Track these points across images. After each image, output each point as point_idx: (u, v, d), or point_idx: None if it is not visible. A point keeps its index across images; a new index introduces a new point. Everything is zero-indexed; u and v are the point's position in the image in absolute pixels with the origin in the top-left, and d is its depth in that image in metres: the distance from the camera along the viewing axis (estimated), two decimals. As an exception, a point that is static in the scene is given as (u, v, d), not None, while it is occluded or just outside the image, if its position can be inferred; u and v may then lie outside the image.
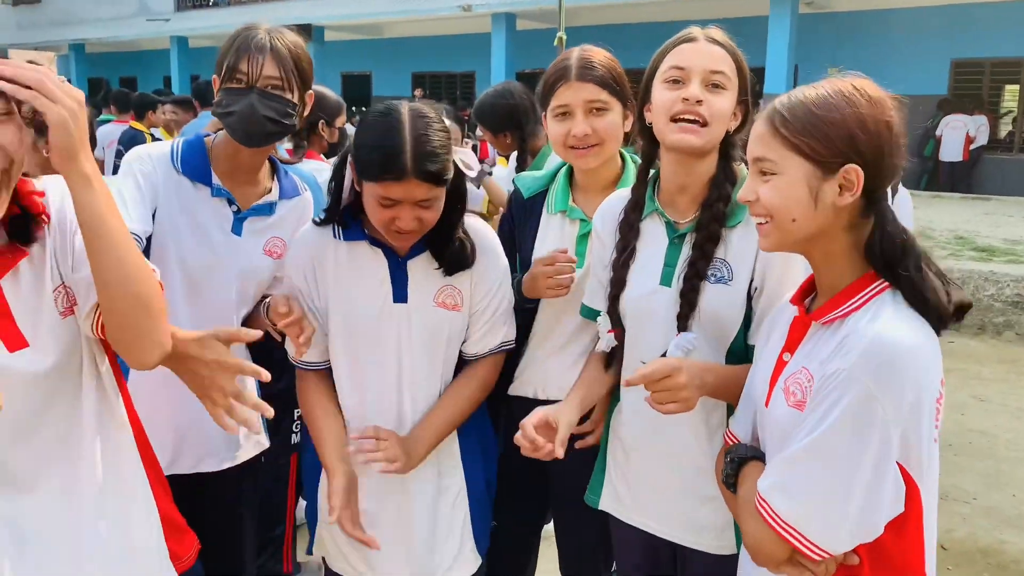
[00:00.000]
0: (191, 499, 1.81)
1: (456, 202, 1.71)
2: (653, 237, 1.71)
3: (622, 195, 1.81)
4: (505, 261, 1.86)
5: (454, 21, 17.00)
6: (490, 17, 15.81)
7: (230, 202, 1.91)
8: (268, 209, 1.96)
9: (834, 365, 1.19)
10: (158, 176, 1.86)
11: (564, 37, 10.14)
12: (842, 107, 1.23)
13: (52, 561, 1.28)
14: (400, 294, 1.73)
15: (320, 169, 3.13)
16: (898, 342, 1.16)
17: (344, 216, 1.76)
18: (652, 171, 1.76)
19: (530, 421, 1.62)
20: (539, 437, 1.60)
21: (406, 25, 17.67)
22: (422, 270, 1.75)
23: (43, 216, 1.28)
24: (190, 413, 1.83)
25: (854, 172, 1.22)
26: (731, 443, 1.48)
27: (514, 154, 3.45)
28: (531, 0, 14.91)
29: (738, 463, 1.39)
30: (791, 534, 1.21)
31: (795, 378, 1.28)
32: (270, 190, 1.98)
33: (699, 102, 1.55)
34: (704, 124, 1.57)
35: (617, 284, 1.73)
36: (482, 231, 1.82)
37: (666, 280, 1.67)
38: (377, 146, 1.55)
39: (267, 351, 2.68)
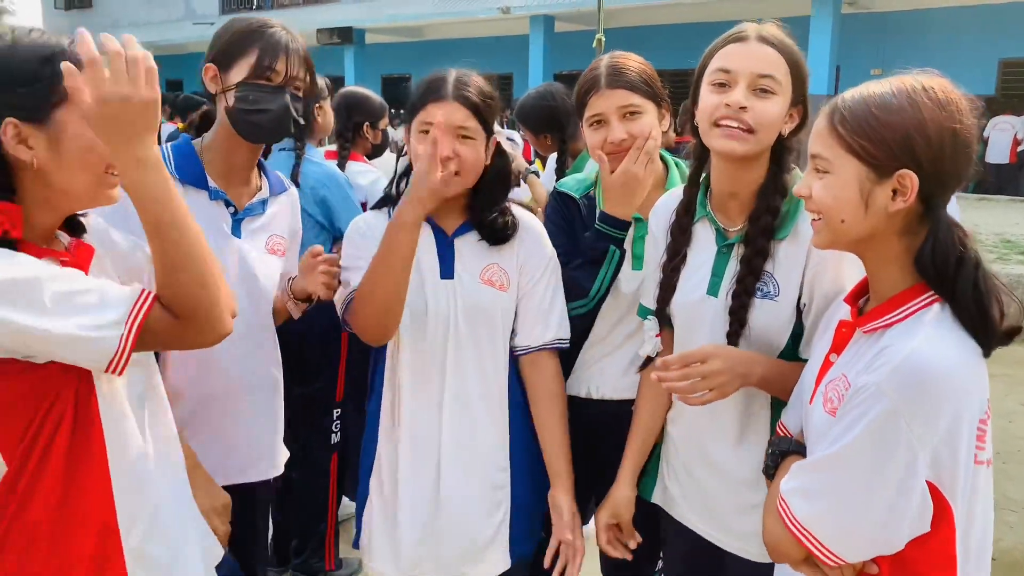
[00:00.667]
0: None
1: (499, 178, 1.79)
2: (703, 243, 1.69)
3: (676, 195, 1.79)
4: (552, 251, 1.87)
5: (492, 23, 17.06)
6: (528, 19, 15.84)
7: (227, 204, 1.87)
8: (261, 207, 1.93)
9: (865, 378, 1.16)
10: None
11: (603, 39, 10.11)
12: (903, 109, 1.18)
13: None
14: (447, 270, 1.77)
15: (363, 171, 3.20)
16: (933, 362, 1.12)
17: (398, 202, 1.78)
18: (704, 173, 1.73)
19: (602, 535, 1.83)
20: (614, 546, 1.82)
21: (445, 27, 17.78)
22: (469, 248, 1.79)
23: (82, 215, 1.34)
24: (235, 426, 1.88)
25: (908, 178, 1.18)
26: (780, 434, 1.47)
27: (553, 156, 3.46)
28: (570, 2, 14.91)
29: (779, 455, 1.39)
30: (807, 537, 1.21)
31: (834, 384, 1.27)
32: (260, 188, 1.95)
33: (743, 108, 1.50)
34: (750, 131, 1.51)
35: (666, 288, 1.72)
36: (528, 217, 1.87)
37: (713, 290, 1.64)
38: (424, 81, 1.72)
39: (300, 354, 2.76)
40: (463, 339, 1.76)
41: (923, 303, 1.20)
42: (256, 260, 1.89)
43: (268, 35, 1.78)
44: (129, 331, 1.13)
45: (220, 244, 1.82)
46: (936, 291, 1.20)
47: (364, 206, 3.11)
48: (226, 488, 1.81)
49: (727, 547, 1.70)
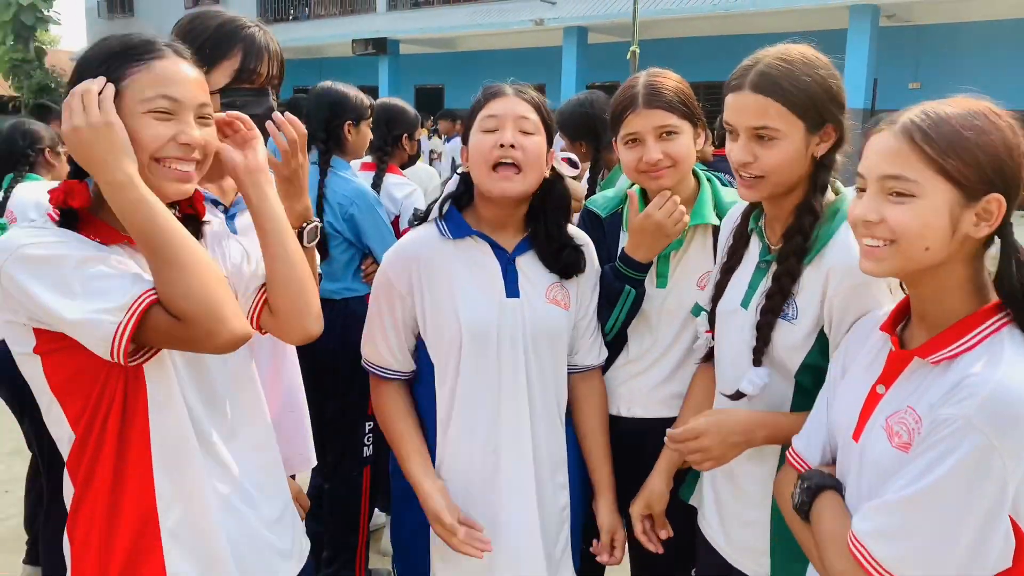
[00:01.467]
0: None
1: (558, 198, 1.80)
2: (751, 255, 1.70)
3: (740, 207, 1.81)
4: (598, 264, 1.90)
5: (526, 35, 17.14)
6: (562, 31, 15.88)
7: (215, 203, 1.81)
8: None
9: (949, 410, 1.11)
10: None
11: (637, 51, 10.11)
12: (990, 131, 1.14)
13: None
14: (512, 289, 1.75)
15: (400, 184, 3.21)
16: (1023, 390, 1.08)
17: (450, 212, 1.78)
18: None
19: (636, 525, 1.86)
20: (648, 537, 1.86)
21: (479, 39, 17.89)
22: (531, 266, 1.78)
23: (204, 222, 1.46)
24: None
25: (996, 202, 1.13)
26: (796, 465, 1.44)
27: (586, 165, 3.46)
28: (603, 14, 14.93)
29: (814, 491, 1.34)
30: None
31: (900, 418, 1.21)
32: None
33: (745, 164, 1.53)
34: (759, 177, 1.54)
35: (717, 289, 1.74)
36: (582, 233, 1.89)
37: (745, 302, 1.65)
38: (484, 87, 1.77)
39: (333, 367, 2.78)
40: (529, 359, 1.75)
41: (992, 328, 1.16)
42: (255, 254, 1.87)
43: (248, 36, 1.73)
44: (128, 320, 1.17)
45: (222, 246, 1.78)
46: (1017, 315, 1.16)
47: (397, 220, 3.13)
48: None
49: (728, 558, 1.70)
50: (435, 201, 1.83)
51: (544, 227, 1.79)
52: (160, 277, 1.21)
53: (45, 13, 19.88)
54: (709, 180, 2.02)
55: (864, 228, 1.23)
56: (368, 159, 3.26)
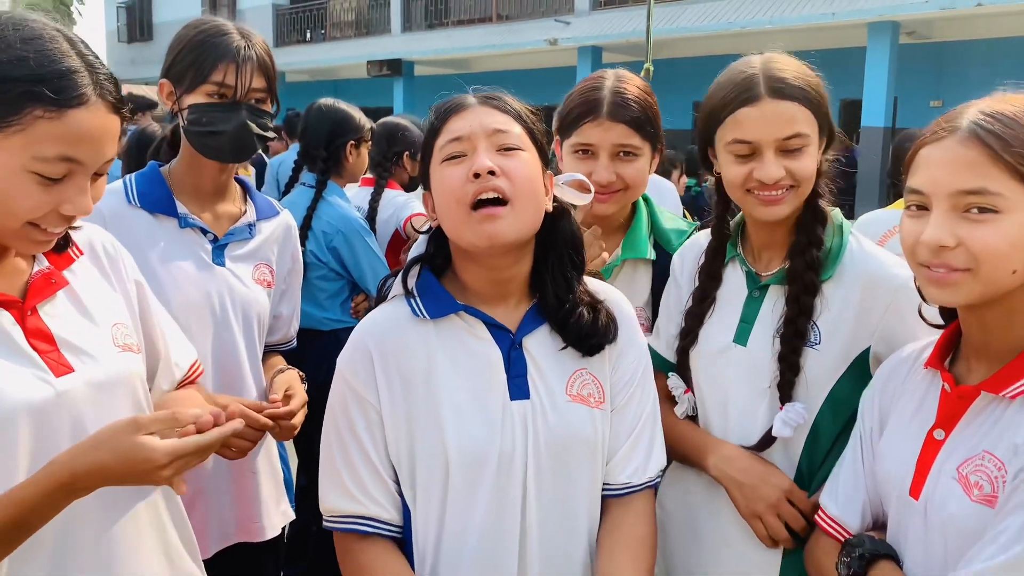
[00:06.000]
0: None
1: (566, 244, 1.30)
2: (731, 287, 1.53)
3: (703, 237, 1.62)
4: (644, 338, 1.40)
5: (541, 55, 17.08)
6: (576, 51, 15.81)
7: (203, 232, 1.72)
8: (247, 231, 1.77)
9: None
10: (105, 229, 1.61)
11: (651, 68, 10.00)
12: None
13: None
14: (520, 388, 1.24)
15: (398, 194, 3.12)
16: None
17: (422, 282, 1.29)
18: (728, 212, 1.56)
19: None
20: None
21: (493, 59, 17.86)
22: (543, 349, 1.28)
23: (73, 248, 1.24)
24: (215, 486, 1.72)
25: None
26: (834, 532, 1.24)
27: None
28: (618, 33, 14.85)
29: (868, 561, 1.16)
30: None
31: (976, 465, 1.05)
32: (245, 211, 1.80)
33: (779, 180, 1.37)
34: (791, 186, 1.38)
35: (687, 336, 1.55)
36: (614, 294, 1.39)
37: (741, 338, 1.48)
38: (436, 105, 1.32)
39: (321, 400, 2.56)
40: (543, 488, 1.23)
41: None
42: (245, 290, 1.73)
43: (218, 45, 1.60)
44: None
45: (200, 273, 1.67)
46: None
47: (397, 235, 3.01)
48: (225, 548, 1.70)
49: None
50: (396, 272, 1.35)
51: (552, 285, 1.29)
52: None
53: (65, 37, 20.15)
54: (647, 202, 1.80)
55: (934, 254, 1.04)
56: (368, 175, 3.15)
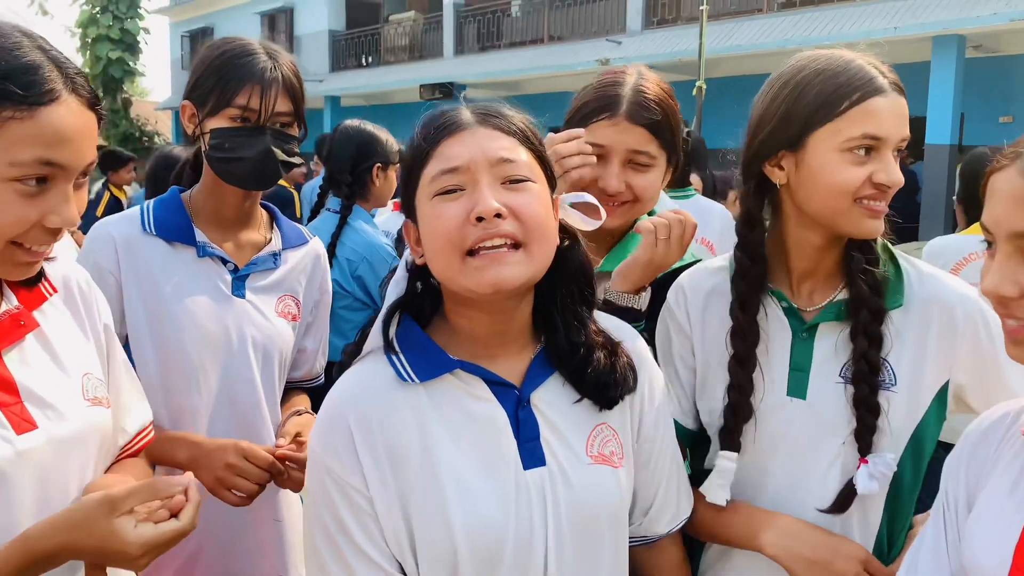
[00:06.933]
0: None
1: (575, 279, 1.14)
2: (768, 330, 1.31)
3: (704, 271, 1.41)
4: (661, 374, 1.27)
5: (592, 76, 16.94)
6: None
7: (223, 261, 1.63)
8: (272, 261, 1.68)
9: None
10: (115, 258, 1.58)
11: (704, 86, 9.83)
12: None
13: None
14: (532, 454, 1.07)
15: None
16: None
17: (406, 333, 1.11)
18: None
19: None
20: None
21: (544, 81, 17.85)
22: (557, 405, 1.11)
23: (46, 283, 1.14)
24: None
25: None
26: None
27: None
28: (670, 52, 14.68)
29: None
30: None
31: None
32: (270, 240, 1.71)
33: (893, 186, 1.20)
34: (887, 200, 1.22)
35: (740, 393, 1.30)
36: (623, 326, 1.25)
37: (797, 390, 1.28)
38: (423, 122, 1.11)
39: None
40: (566, 563, 1.07)
41: None
42: (266, 324, 1.63)
43: (242, 66, 1.51)
44: None
45: (217, 306, 1.58)
46: None
47: None
48: None
49: None
50: (374, 317, 1.16)
51: (562, 327, 1.12)
52: None
53: (132, 66, 20.89)
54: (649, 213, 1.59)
55: (999, 303, 0.89)
56: (399, 198, 3.05)
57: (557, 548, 1.06)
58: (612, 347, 1.14)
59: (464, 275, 1.02)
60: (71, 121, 0.96)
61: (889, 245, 1.31)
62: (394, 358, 1.09)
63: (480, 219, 1.00)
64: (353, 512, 1.04)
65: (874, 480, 1.21)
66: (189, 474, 1.10)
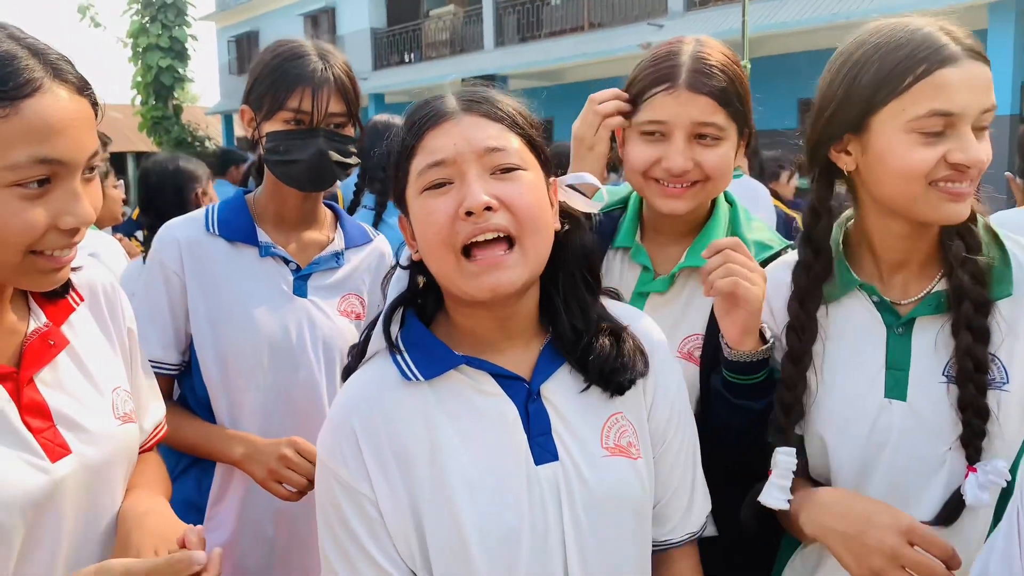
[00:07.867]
0: None
1: (578, 264, 1.11)
2: (855, 324, 1.22)
3: (789, 261, 1.33)
4: (678, 366, 1.21)
5: (634, 60, 16.68)
6: (671, 54, 15.51)
7: (285, 261, 1.65)
8: (334, 260, 1.70)
9: None
10: (179, 259, 1.61)
11: (748, 65, 9.65)
12: None
13: None
14: (544, 449, 1.04)
15: None
16: None
17: (409, 331, 1.08)
18: (839, 225, 1.27)
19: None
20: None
21: (586, 68, 17.71)
22: (568, 396, 1.08)
23: (73, 294, 1.11)
24: None
25: None
26: None
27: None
28: (713, 33, 14.19)
29: None
30: None
31: None
32: (332, 239, 1.72)
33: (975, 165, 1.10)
34: (973, 180, 1.12)
35: (791, 389, 1.23)
36: (639, 319, 1.18)
37: (896, 391, 1.18)
38: (408, 113, 1.10)
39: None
40: (588, 560, 1.03)
41: None
42: (328, 323, 1.64)
43: (293, 69, 1.53)
44: None
45: (279, 305, 1.60)
46: None
47: None
48: None
49: None
50: (375, 320, 1.12)
51: (566, 315, 1.09)
52: None
53: (182, 73, 21.32)
54: (731, 203, 1.46)
55: None
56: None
57: (577, 543, 1.02)
58: (617, 331, 1.10)
59: (462, 279, 1.00)
60: (60, 110, 0.88)
61: (993, 226, 1.20)
62: (398, 357, 1.07)
63: (469, 213, 0.97)
64: (362, 519, 1.02)
65: (984, 490, 1.12)
66: (216, 551, 0.99)
